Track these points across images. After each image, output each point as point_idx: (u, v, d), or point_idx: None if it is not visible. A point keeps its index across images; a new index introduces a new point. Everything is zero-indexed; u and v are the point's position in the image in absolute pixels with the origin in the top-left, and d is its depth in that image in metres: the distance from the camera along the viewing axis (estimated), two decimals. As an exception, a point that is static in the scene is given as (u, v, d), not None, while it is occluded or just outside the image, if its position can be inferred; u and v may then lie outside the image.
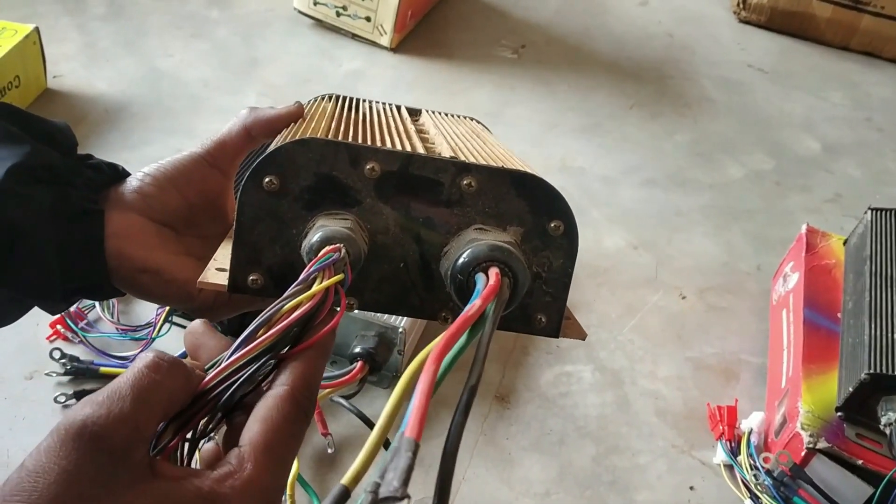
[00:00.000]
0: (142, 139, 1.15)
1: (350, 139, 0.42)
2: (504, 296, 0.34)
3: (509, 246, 0.36)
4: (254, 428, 0.31)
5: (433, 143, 0.49)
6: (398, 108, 0.60)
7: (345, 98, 0.59)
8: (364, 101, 0.60)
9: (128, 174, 0.48)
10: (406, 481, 0.23)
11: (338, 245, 0.35)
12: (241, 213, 0.38)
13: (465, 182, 0.38)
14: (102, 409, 0.28)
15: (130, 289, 0.46)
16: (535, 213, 0.39)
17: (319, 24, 1.44)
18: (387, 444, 0.25)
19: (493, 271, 0.34)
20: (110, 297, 0.47)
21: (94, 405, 0.28)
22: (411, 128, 0.51)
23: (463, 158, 0.41)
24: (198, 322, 0.39)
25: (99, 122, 1.17)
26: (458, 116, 0.64)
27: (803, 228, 0.99)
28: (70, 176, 0.44)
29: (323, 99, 0.59)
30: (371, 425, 0.77)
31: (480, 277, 0.34)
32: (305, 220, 0.38)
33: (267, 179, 0.37)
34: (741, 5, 1.64)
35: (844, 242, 0.95)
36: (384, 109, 0.58)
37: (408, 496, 0.23)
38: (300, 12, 1.44)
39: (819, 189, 1.26)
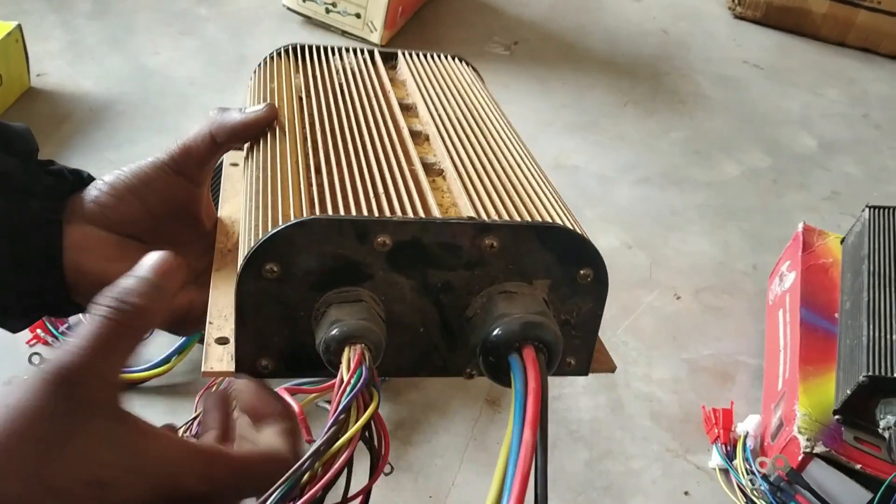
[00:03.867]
0: (128, 138, 1.13)
1: (346, 180, 0.38)
2: (546, 385, 0.31)
3: (543, 319, 0.34)
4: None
5: (434, 158, 0.43)
6: (373, 59, 0.53)
7: (309, 56, 0.51)
8: (333, 54, 0.52)
9: (93, 179, 0.45)
10: None
11: (360, 350, 0.32)
12: (242, 301, 0.34)
13: (486, 242, 0.35)
14: (75, 358, 0.28)
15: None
16: (563, 264, 0.36)
17: (309, 21, 1.42)
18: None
19: (530, 359, 0.32)
20: (73, 314, 0.44)
21: (67, 354, 0.28)
22: (403, 126, 0.45)
23: (478, 205, 0.37)
24: (243, 382, 0.37)
25: (84, 121, 1.15)
26: (441, 59, 0.55)
27: (800, 227, 0.97)
28: (27, 184, 0.42)
29: (285, 56, 0.51)
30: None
31: (516, 364, 0.32)
32: (314, 301, 0.35)
33: (267, 267, 0.34)
34: (736, 1, 1.62)
35: (842, 241, 0.94)
36: (360, 75, 0.50)
37: None
38: (289, 9, 1.42)
39: (816, 187, 1.24)
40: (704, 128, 1.34)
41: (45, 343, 0.83)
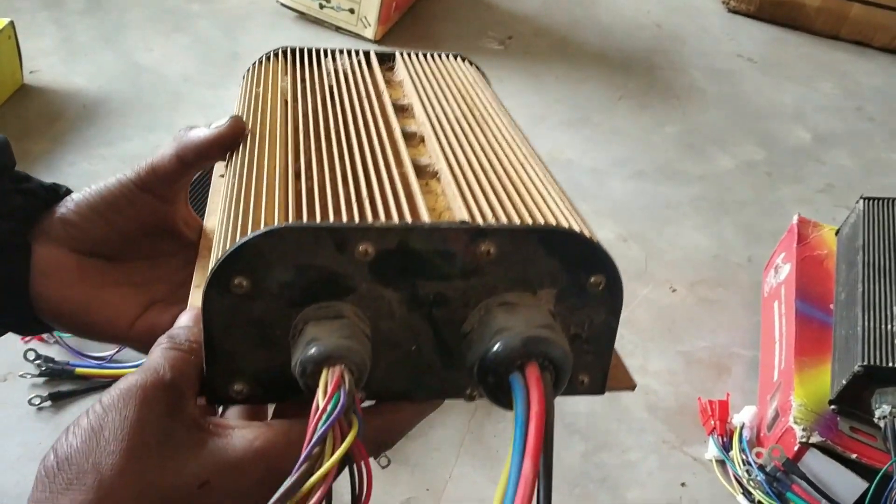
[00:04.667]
0: (121, 135, 1.12)
1: (327, 185, 0.35)
2: (552, 408, 0.28)
3: (548, 333, 0.30)
4: None
5: (428, 160, 0.40)
6: (368, 60, 0.50)
7: (300, 59, 0.49)
8: (325, 56, 0.49)
9: (70, 193, 0.43)
10: None
11: (339, 371, 0.28)
12: (209, 322, 0.31)
13: (481, 249, 0.31)
14: (149, 376, 0.31)
15: (58, 326, 0.43)
16: (570, 271, 0.32)
17: (302, 16, 1.41)
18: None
19: (534, 378, 0.28)
20: (44, 332, 0.44)
21: (139, 373, 0.31)
22: (396, 127, 0.42)
23: (473, 207, 0.33)
24: (233, 410, 0.36)
25: (77, 119, 1.14)
26: (441, 58, 0.52)
27: (795, 219, 0.97)
28: None
29: (274, 59, 0.49)
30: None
31: (518, 384, 0.28)
32: (291, 318, 0.31)
33: (235, 282, 0.30)
34: (730, -5, 1.62)
35: (836, 232, 0.94)
36: (353, 77, 0.47)
37: None
38: (283, 5, 1.41)
39: (810, 179, 1.24)
40: (698, 121, 1.34)
41: (41, 339, 0.82)
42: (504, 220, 0.33)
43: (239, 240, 0.30)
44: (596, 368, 0.35)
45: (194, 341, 0.33)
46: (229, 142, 0.42)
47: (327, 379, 0.28)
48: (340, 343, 0.29)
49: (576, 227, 0.33)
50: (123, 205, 0.42)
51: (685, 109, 1.36)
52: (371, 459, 0.30)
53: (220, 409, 0.36)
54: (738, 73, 1.48)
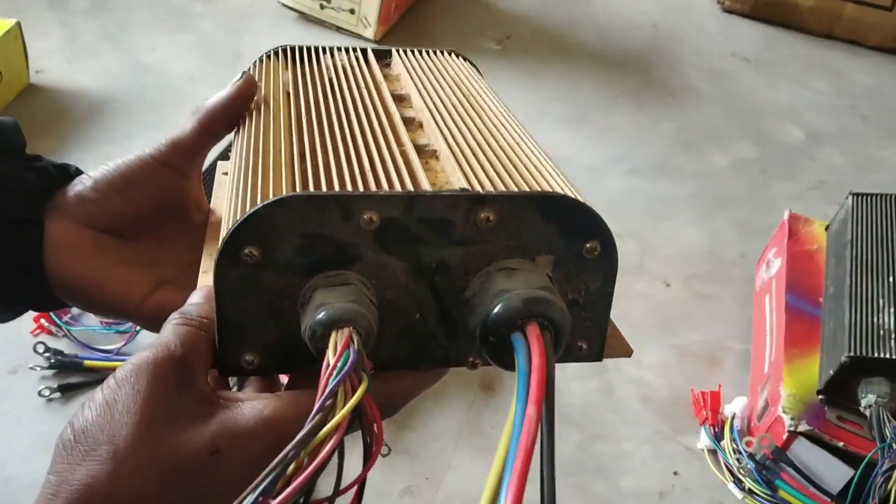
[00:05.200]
0: (125, 133, 1.14)
1: (332, 161, 0.36)
2: (553, 364, 0.29)
3: (546, 294, 0.31)
4: None
5: (426, 140, 0.41)
6: (366, 57, 0.52)
7: (300, 55, 0.51)
8: (324, 53, 0.51)
9: (81, 173, 0.45)
10: None
11: (347, 333, 0.29)
12: (221, 292, 0.32)
13: (481, 216, 0.32)
14: (160, 352, 0.32)
15: (70, 301, 0.44)
16: (566, 237, 0.34)
17: (303, 16, 1.43)
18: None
19: (534, 335, 0.29)
20: (58, 307, 0.45)
21: (150, 349, 0.33)
22: (395, 113, 0.43)
23: (472, 178, 0.35)
24: (247, 386, 0.38)
25: (82, 117, 1.16)
26: (437, 54, 0.54)
27: (786, 215, 0.99)
28: (9, 181, 0.42)
29: (274, 57, 0.50)
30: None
31: (519, 342, 0.29)
32: (300, 288, 0.32)
33: (246, 251, 0.31)
34: (725, -5, 1.64)
35: (826, 228, 0.96)
36: (351, 70, 0.49)
37: None
38: (284, 5, 1.43)
39: (803, 176, 1.26)
40: (694, 119, 1.36)
41: (49, 333, 0.84)
42: (502, 188, 0.34)
43: (249, 209, 0.31)
44: (594, 334, 0.36)
45: (205, 317, 0.34)
46: (246, 96, 0.44)
47: (336, 340, 0.29)
48: (348, 307, 0.30)
49: (571, 194, 0.34)
50: (143, 180, 0.43)
51: (681, 107, 1.38)
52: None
53: (235, 387, 0.37)
54: (733, 71, 1.50)
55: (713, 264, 1.08)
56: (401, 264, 0.33)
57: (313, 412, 0.27)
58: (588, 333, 0.36)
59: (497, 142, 0.40)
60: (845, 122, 1.40)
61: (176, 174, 0.44)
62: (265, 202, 0.31)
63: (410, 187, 0.34)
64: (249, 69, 0.50)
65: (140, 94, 1.23)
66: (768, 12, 1.61)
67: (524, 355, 0.29)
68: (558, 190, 0.35)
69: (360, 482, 0.30)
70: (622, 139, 1.29)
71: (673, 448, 0.84)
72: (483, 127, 0.42)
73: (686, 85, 1.44)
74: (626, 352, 0.38)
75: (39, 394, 0.79)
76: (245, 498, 0.26)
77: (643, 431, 0.86)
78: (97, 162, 0.45)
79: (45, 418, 0.79)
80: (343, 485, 0.29)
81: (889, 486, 0.67)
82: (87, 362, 0.82)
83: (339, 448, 0.28)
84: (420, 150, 0.40)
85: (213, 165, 0.53)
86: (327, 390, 0.28)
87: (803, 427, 0.74)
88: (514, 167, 0.37)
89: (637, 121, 1.34)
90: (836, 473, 0.74)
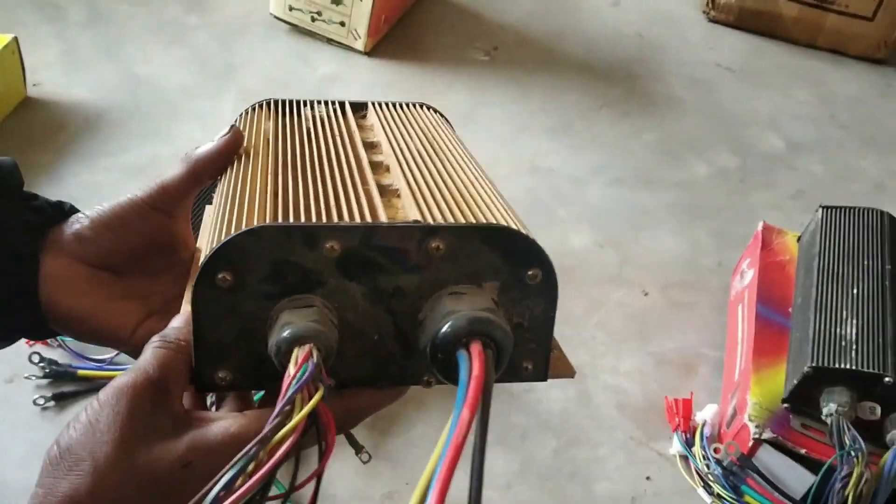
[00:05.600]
0: (121, 146, 1.17)
1: (301, 198, 0.40)
2: (492, 377, 0.32)
3: (489, 315, 0.34)
4: None
5: (390, 181, 0.45)
6: (343, 109, 0.56)
7: (283, 108, 0.55)
8: (305, 105, 0.56)
9: (76, 211, 0.48)
10: None
11: (308, 348, 0.32)
12: (198, 314, 0.36)
13: (432, 245, 0.36)
14: (138, 376, 0.36)
15: (64, 332, 0.47)
16: (510, 265, 0.37)
17: (295, 29, 1.46)
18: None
19: (476, 351, 0.32)
20: (51, 336, 0.48)
21: (130, 373, 0.36)
22: (364, 158, 0.48)
23: (426, 211, 0.38)
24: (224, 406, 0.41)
25: (79, 130, 1.19)
26: (409, 107, 0.59)
27: (760, 226, 1.02)
28: (7, 219, 0.45)
29: (259, 109, 0.55)
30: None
31: (463, 357, 0.32)
32: (269, 310, 0.36)
33: (220, 276, 0.35)
34: (710, 5, 1.67)
35: (798, 239, 0.99)
36: (328, 121, 0.53)
37: None
38: (276, 18, 1.46)
39: (782, 186, 1.29)
40: (676, 129, 1.39)
41: (44, 343, 0.87)
42: (451, 220, 0.38)
43: (224, 238, 0.35)
44: (538, 356, 0.40)
45: (182, 339, 0.38)
46: (233, 149, 0.48)
47: (298, 354, 0.33)
48: (310, 326, 0.33)
49: (513, 226, 0.38)
50: (134, 220, 0.47)
51: (664, 117, 1.41)
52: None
53: (213, 408, 0.41)
54: (717, 81, 1.53)
55: (691, 273, 1.11)
56: (360, 289, 0.36)
57: (273, 415, 0.31)
58: (533, 354, 0.40)
59: (453, 181, 0.45)
60: (825, 132, 1.43)
61: (164, 216, 0.48)
62: (238, 232, 0.35)
63: (370, 220, 0.38)
64: (236, 121, 0.54)
65: (135, 107, 1.26)
66: (753, 22, 1.64)
67: (466, 369, 0.32)
68: (502, 222, 0.39)
69: (317, 475, 0.33)
70: (605, 149, 1.32)
71: (646, 454, 0.87)
72: (443, 169, 0.46)
73: (669, 95, 1.47)
74: (570, 373, 0.41)
75: (34, 402, 0.82)
76: (209, 491, 0.29)
77: (618, 437, 0.89)
78: (94, 175, 0.47)
79: (40, 426, 0.82)
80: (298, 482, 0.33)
81: (847, 492, 0.70)
82: (80, 372, 0.85)
83: (296, 448, 0.31)
84: (384, 189, 0.44)
85: (201, 210, 0.56)
86: (286, 397, 0.31)
87: (767, 435, 0.77)
88: (466, 203, 0.41)
89: (620, 130, 1.37)
90: (799, 479, 0.76)
